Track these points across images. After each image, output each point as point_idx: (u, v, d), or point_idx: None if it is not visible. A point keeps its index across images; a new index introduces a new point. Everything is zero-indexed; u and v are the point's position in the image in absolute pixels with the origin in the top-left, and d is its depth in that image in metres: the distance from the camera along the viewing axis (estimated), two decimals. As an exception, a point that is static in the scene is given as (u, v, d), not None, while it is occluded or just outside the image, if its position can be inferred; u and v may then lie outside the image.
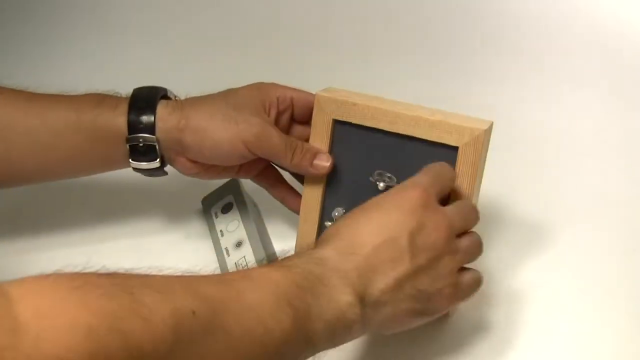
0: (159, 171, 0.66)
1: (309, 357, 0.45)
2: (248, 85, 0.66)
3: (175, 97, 0.67)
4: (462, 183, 0.58)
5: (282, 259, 0.49)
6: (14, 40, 1.17)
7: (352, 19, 1.17)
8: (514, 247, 0.72)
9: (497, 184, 0.73)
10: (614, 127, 0.94)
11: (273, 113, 0.65)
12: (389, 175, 0.61)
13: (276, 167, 0.70)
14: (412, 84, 1.00)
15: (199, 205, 0.76)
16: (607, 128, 0.94)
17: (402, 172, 0.61)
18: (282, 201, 0.71)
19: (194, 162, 0.65)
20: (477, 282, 0.56)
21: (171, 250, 0.71)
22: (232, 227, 0.70)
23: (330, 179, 0.64)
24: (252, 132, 0.62)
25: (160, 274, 0.41)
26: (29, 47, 1.15)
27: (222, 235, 0.70)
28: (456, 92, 1.01)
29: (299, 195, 0.68)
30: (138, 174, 0.67)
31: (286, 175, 0.71)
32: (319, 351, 0.46)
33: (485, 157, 0.60)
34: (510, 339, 0.61)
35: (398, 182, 0.61)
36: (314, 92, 0.64)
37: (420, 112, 0.59)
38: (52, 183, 0.69)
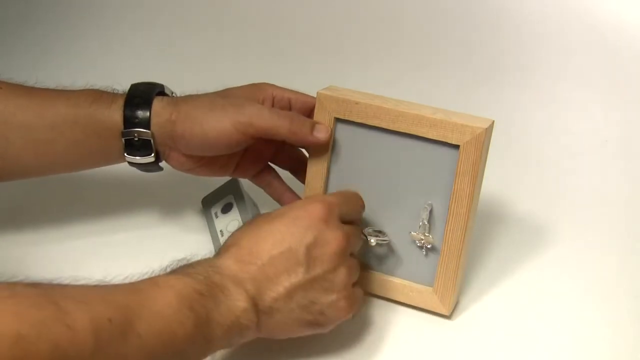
0: (154, 166, 0.66)
1: (208, 355, 0.49)
2: (244, 85, 0.66)
3: (172, 93, 0.67)
4: (464, 182, 0.58)
5: (185, 266, 0.51)
6: (14, 37, 1.17)
7: (353, 19, 1.17)
8: (514, 247, 0.72)
9: (497, 183, 0.73)
10: (614, 127, 0.94)
11: (267, 106, 0.65)
12: (379, 230, 0.63)
13: (274, 166, 0.70)
14: (412, 83, 1.01)
15: (199, 205, 0.76)
16: (607, 128, 0.94)
17: (403, 171, 0.61)
18: (280, 201, 0.70)
19: (188, 156, 0.65)
20: (363, 298, 0.59)
21: (171, 249, 0.71)
22: (232, 227, 0.70)
23: (331, 178, 0.64)
24: (243, 113, 0.61)
25: (78, 284, 0.44)
26: (28, 44, 1.15)
27: (222, 235, 0.70)
28: (456, 91, 1.01)
29: (297, 196, 0.68)
30: (139, 173, 0.67)
31: (284, 176, 0.71)
32: (216, 350, 0.50)
33: (486, 156, 0.60)
34: (510, 338, 0.61)
35: (388, 236, 0.63)
36: (314, 92, 0.63)
37: (422, 110, 0.59)
38: (51, 178, 0.69)
